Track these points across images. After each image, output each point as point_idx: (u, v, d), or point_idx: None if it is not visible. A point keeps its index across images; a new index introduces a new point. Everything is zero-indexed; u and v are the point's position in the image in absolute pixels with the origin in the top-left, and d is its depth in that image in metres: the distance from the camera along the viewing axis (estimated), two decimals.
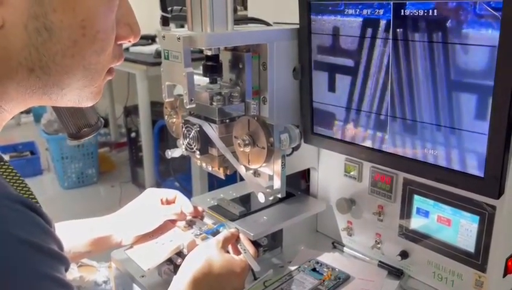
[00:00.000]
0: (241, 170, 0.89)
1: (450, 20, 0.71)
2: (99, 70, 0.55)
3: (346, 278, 0.91)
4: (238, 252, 0.89)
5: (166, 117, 1.01)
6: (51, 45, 0.50)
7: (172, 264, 0.89)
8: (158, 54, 2.33)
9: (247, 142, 0.83)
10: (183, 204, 0.98)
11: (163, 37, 0.83)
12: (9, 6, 0.47)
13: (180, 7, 0.88)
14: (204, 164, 0.96)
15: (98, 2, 0.51)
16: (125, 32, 0.57)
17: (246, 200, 1.07)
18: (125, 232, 0.93)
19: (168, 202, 0.99)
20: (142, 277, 0.91)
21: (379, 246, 0.97)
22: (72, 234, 0.90)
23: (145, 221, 0.94)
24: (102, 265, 1.21)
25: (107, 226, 0.94)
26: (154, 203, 0.97)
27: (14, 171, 0.51)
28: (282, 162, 0.84)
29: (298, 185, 1.16)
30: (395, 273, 0.93)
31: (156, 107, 2.60)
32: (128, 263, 0.93)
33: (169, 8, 0.86)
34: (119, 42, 0.58)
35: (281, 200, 1.01)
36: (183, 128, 0.93)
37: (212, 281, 0.79)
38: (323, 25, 0.89)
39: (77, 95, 0.56)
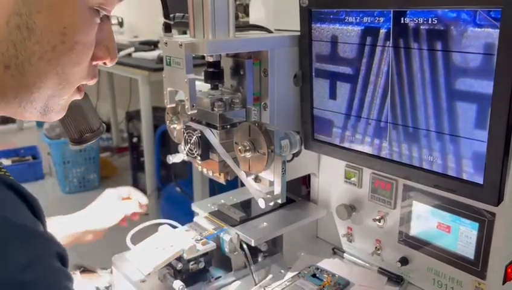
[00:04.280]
0: (242, 175, 0.89)
1: (450, 29, 0.71)
2: (72, 82, 0.57)
3: (346, 284, 0.92)
4: None
5: (167, 123, 1.02)
6: (30, 44, 0.51)
7: (172, 268, 0.89)
8: (160, 59, 2.34)
9: (247, 147, 0.84)
10: (139, 198, 1.08)
11: (166, 43, 0.84)
12: None
13: (182, 14, 0.89)
14: (205, 169, 0.96)
15: (81, 15, 0.53)
16: (103, 54, 0.60)
17: (246, 205, 1.07)
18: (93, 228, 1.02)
19: (125, 199, 1.08)
20: (143, 281, 0.92)
21: (379, 252, 0.97)
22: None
23: (107, 217, 1.03)
24: (104, 271, 1.21)
25: (77, 223, 1.00)
26: (113, 202, 1.05)
27: None
28: (283, 168, 0.85)
29: (299, 191, 1.16)
30: (395, 279, 0.94)
31: (158, 113, 2.61)
32: (128, 267, 0.93)
33: (171, 15, 0.86)
34: (95, 62, 0.60)
35: (281, 206, 1.01)
36: (185, 134, 0.93)
37: None
38: (324, 32, 0.89)
39: (44, 103, 0.56)
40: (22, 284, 0.43)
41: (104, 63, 0.61)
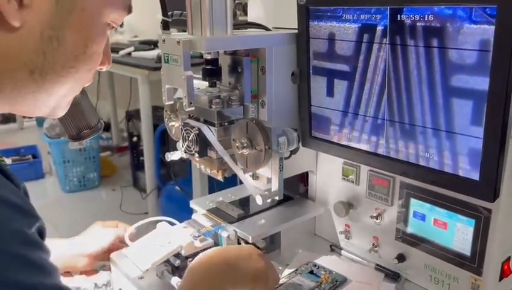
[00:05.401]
0: (239, 172, 0.90)
1: (446, 26, 0.72)
2: (81, 84, 0.63)
3: (343, 281, 0.92)
4: None
5: (166, 120, 1.02)
6: (57, 54, 0.55)
7: (170, 265, 0.90)
8: (159, 58, 2.34)
9: (245, 144, 0.84)
10: (125, 226, 1.06)
11: (164, 41, 0.84)
12: (33, 11, 0.51)
13: (180, 12, 0.89)
14: (203, 166, 0.97)
15: (100, 29, 0.59)
16: (104, 59, 0.65)
17: (244, 203, 1.07)
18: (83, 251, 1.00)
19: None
20: (141, 278, 0.92)
21: (376, 249, 0.97)
22: None
23: (96, 242, 1.01)
24: (104, 273, 1.21)
25: (69, 247, 1.00)
26: (101, 230, 1.05)
27: None
28: (280, 165, 0.85)
29: (297, 188, 1.17)
30: (392, 276, 0.94)
31: (158, 112, 2.61)
32: (126, 264, 0.94)
33: (169, 13, 0.87)
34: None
35: (279, 203, 1.02)
36: (183, 131, 0.94)
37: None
38: (322, 30, 0.90)
39: (56, 102, 0.61)
40: (9, 255, 0.45)
41: (100, 68, 0.66)
